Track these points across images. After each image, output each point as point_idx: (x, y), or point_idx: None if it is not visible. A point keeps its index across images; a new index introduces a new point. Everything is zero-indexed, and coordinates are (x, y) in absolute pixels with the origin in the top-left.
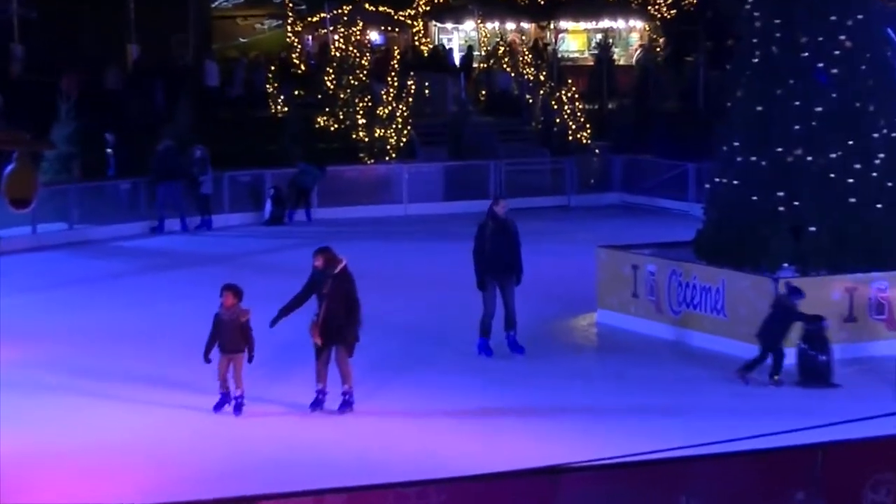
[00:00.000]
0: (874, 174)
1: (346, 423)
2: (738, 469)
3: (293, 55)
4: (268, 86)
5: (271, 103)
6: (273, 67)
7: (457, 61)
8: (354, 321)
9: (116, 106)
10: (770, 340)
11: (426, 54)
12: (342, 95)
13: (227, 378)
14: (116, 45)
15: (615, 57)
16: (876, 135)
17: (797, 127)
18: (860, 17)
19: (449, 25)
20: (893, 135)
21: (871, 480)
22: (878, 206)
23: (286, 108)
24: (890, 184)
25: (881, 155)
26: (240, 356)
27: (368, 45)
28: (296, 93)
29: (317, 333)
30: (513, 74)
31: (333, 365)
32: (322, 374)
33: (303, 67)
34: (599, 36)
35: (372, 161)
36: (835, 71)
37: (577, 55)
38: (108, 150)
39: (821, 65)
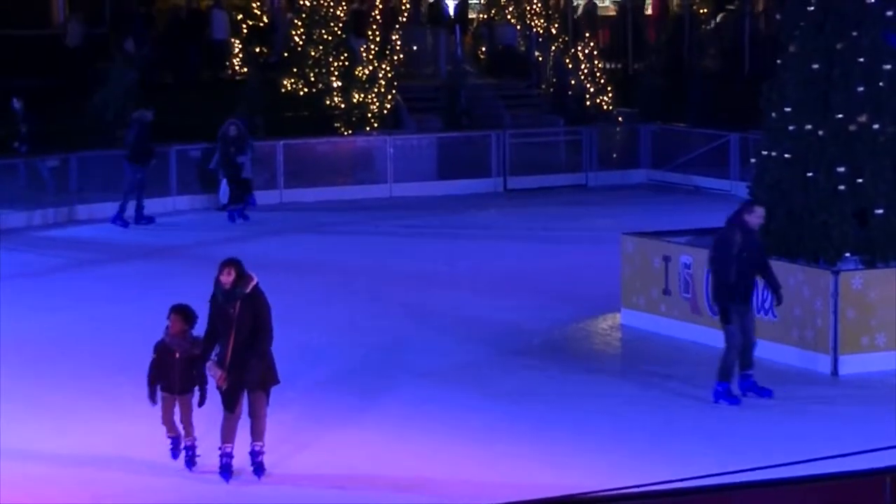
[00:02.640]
0: None
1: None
2: (789, 499)
3: (253, 4)
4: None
5: (229, 63)
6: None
7: (451, 12)
8: (261, 354)
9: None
10: None
11: (414, 4)
12: (313, 53)
13: (173, 421)
14: None
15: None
16: None
17: (861, 89)
18: None
19: None
20: None
21: None
22: None
23: (245, 69)
24: None
25: None
26: (189, 398)
27: None
28: (257, 50)
29: (221, 375)
30: (519, 27)
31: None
32: (231, 430)
33: (265, 19)
34: None
35: (349, 132)
36: None
37: (596, 3)
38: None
39: (890, 12)
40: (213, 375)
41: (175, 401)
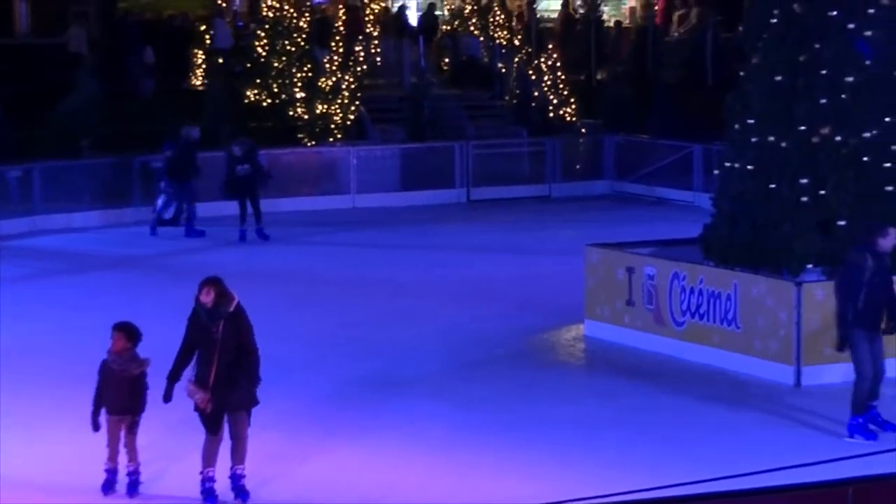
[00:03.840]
0: None
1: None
2: None
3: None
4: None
5: (192, 74)
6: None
7: (415, 23)
8: (250, 377)
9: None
10: None
11: (378, 14)
12: (276, 64)
13: (117, 449)
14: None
15: (605, 17)
16: None
17: (824, 101)
18: None
19: None
20: None
21: None
22: None
23: (208, 80)
24: None
25: None
26: (133, 419)
27: (308, 4)
28: (220, 61)
29: (205, 397)
30: (482, 38)
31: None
32: (214, 454)
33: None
34: None
35: (313, 143)
36: (869, 33)
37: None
38: None
39: (868, 33)
40: (194, 397)
41: (118, 422)
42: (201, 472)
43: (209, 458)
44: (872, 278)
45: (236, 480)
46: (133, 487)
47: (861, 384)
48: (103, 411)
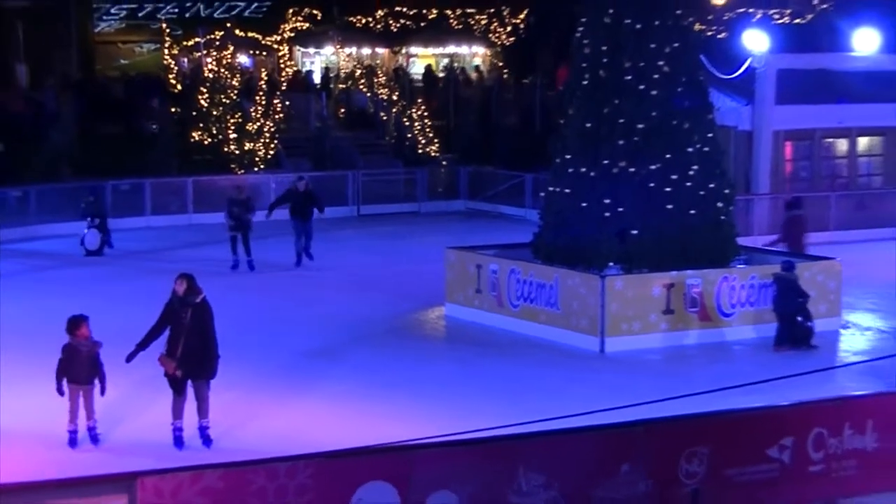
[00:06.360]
0: (688, 184)
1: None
2: (569, 444)
3: (170, 76)
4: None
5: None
6: (152, 86)
7: (318, 82)
8: (212, 356)
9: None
10: (785, 312)
11: (291, 76)
12: (215, 112)
13: (77, 413)
14: (4, 66)
15: (460, 79)
16: (690, 149)
17: (622, 142)
18: (677, 45)
19: (311, 50)
20: (706, 149)
21: (686, 452)
22: (692, 212)
23: (161, 124)
24: (702, 192)
25: (695, 167)
26: (91, 388)
27: (238, 67)
28: (172, 109)
29: (172, 365)
30: (369, 94)
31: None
32: (181, 409)
33: (178, 87)
34: (446, 60)
35: (242, 171)
36: (654, 92)
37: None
38: None
39: (654, 92)
40: (165, 366)
41: (80, 391)
42: (172, 424)
43: (177, 412)
44: None
45: (203, 431)
46: (95, 439)
47: None
48: (65, 381)
